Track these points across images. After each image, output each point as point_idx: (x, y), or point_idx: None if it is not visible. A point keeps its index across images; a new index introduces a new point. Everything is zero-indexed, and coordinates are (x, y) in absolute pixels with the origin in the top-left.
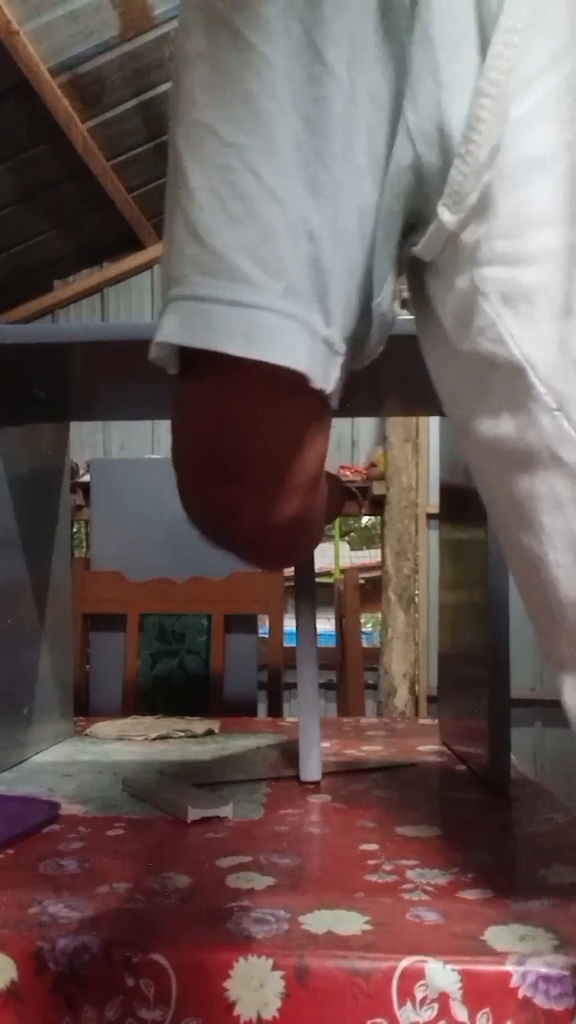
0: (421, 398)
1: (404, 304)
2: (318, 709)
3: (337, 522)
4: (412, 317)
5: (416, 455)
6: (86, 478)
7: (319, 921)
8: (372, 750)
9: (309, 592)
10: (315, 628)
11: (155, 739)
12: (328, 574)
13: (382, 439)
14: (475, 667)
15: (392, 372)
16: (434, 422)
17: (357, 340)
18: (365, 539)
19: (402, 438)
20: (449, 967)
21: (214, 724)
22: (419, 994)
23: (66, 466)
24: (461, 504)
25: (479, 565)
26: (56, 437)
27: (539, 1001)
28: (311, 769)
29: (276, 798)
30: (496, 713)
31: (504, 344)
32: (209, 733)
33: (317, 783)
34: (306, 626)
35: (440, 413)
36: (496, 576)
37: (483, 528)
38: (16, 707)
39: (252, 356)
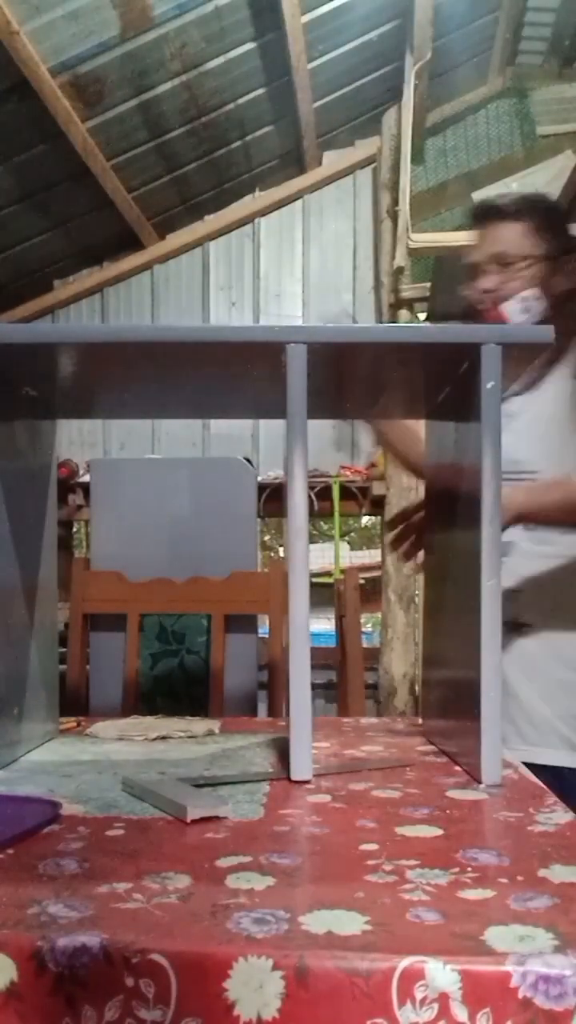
0: (417, 401)
1: (401, 305)
2: (309, 708)
3: (337, 522)
4: (408, 323)
5: None
6: (86, 478)
7: (319, 921)
8: (372, 750)
9: (302, 591)
10: (308, 627)
11: (155, 739)
12: (328, 574)
13: None
14: (465, 666)
15: (388, 375)
16: None
17: None
18: (365, 539)
19: None
20: (449, 967)
21: (214, 724)
22: (419, 994)
23: (53, 464)
24: (447, 504)
25: (469, 563)
26: (44, 435)
27: (539, 1001)
28: (301, 768)
29: (276, 798)
30: (487, 708)
31: None
32: (209, 733)
33: (308, 782)
34: (299, 625)
35: (436, 417)
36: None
37: (472, 528)
38: (8, 707)
39: None
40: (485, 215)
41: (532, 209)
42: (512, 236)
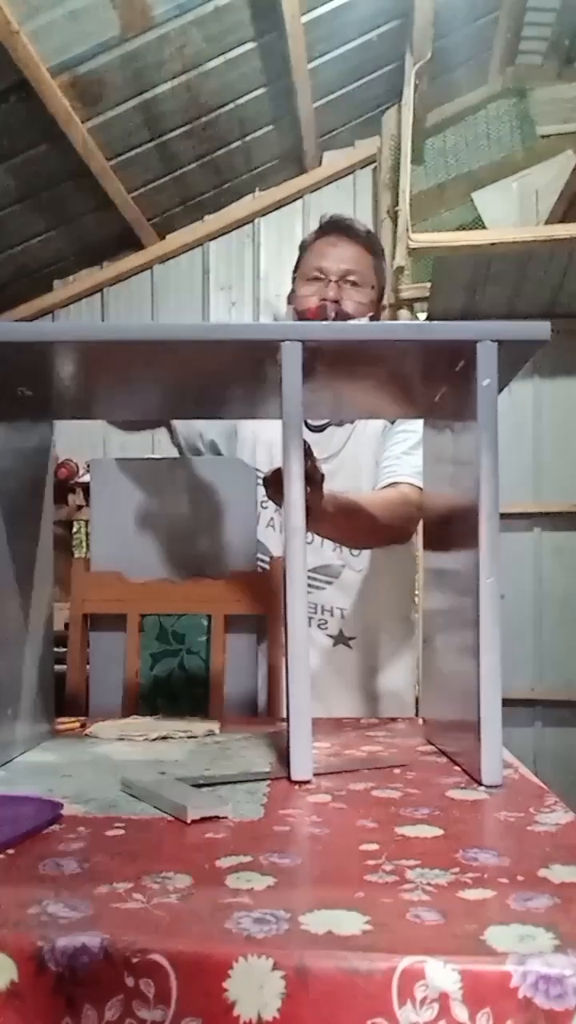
0: (413, 400)
1: (402, 305)
2: (309, 708)
3: None
4: (406, 321)
5: None
6: (86, 478)
7: (319, 921)
8: (372, 750)
9: (300, 590)
10: (306, 626)
11: (155, 739)
12: None
13: None
14: (465, 665)
15: (385, 374)
16: None
17: None
18: None
19: None
20: (449, 967)
21: (214, 725)
22: (419, 994)
23: (50, 465)
24: (445, 505)
25: (467, 562)
26: (41, 436)
27: (539, 1001)
28: (301, 768)
29: (276, 798)
30: (487, 708)
31: None
32: (209, 734)
33: (309, 781)
34: (297, 625)
35: (432, 416)
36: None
37: (470, 528)
38: (2, 707)
39: None
40: (339, 230)
41: (376, 243)
42: (363, 261)
